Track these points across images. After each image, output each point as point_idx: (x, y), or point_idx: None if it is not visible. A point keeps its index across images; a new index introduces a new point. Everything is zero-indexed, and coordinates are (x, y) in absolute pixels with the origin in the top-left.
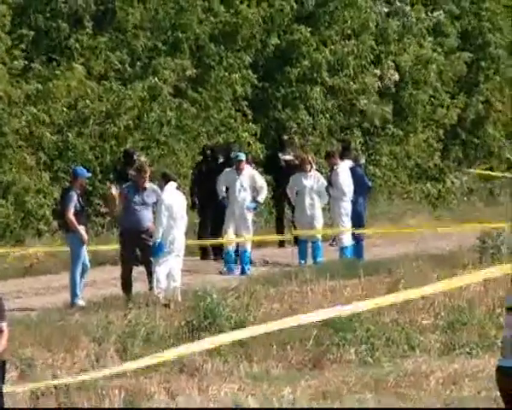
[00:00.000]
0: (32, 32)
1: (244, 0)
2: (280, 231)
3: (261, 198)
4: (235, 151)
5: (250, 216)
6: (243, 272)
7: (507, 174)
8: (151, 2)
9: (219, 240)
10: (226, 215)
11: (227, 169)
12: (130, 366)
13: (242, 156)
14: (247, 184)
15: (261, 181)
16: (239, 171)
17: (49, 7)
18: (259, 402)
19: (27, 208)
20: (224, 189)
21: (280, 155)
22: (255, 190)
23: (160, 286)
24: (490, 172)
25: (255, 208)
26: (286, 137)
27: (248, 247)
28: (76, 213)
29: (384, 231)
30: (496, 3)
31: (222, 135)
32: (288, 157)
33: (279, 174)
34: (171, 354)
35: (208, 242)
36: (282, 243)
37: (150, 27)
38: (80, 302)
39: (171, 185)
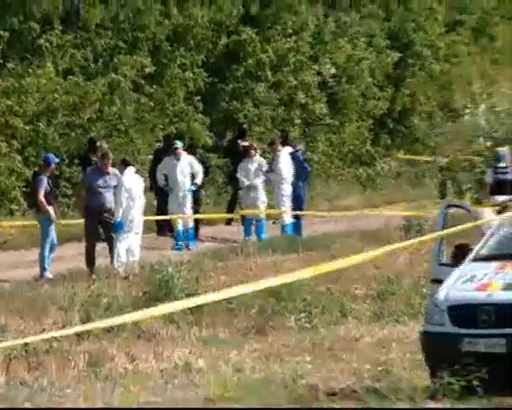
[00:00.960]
0: (7, 34)
1: (196, 4)
2: (230, 210)
3: (199, 181)
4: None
5: (190, 198)
6: (187, 247)
7: (429, 159)
8: (112, 3)
9: (167, 217)
10: (170, 199)
11: (165, 158)
12: (93, 326)
13: (179, 144)
14: (186, 170)
15: (197, 166)
16: (177, 158)
17: (22, 10)
18: (208, 364)
19: (1, 190)
20: (163, 177)
21: (239, 141)
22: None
23: (120, 260)
24: (414, 157)
25: (194, 191)
26: (245, 126)
27: (191, 224)
28: (45, 195)
29: (326, 214)
30: (420, 7)
31: (176, 126)
32: (245, 143)
33: (237, 159)
34: (129, 318)
35: (157, 218)
36: (229, 222)
37: (111, 27)
38: (48, 275)
39: (130, 170)
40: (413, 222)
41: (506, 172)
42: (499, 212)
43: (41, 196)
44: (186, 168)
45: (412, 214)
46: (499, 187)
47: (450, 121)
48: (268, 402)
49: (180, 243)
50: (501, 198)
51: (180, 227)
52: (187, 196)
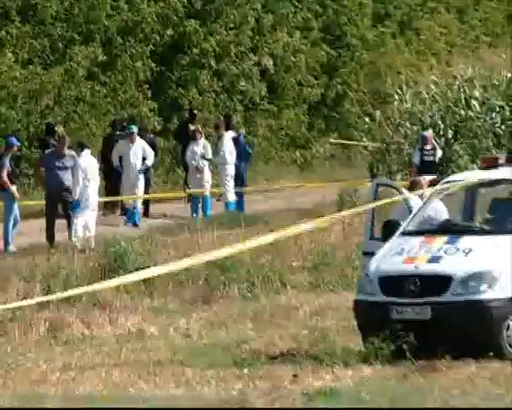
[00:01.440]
0: None
1: (144, 0)
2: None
3: (149, 162)
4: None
5: (141, 178)
6: (135, 224)
7: (361, 143)
8: None
9: (120, 197)
10: (122, 179)
11: (120, 141)
12: (53, 296)
13: (134, 129)
14: (139, 153)
15: (149, 150)
16: (131, 142)
17: None
18: (159, 329)
19: None
20: (117, 158)
21: (189, 125)
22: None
23: (77, 235)
24: (345, 141)
25: (145, 171)
26: (195, 111)
27: (139, 204)
28: (8, 175)
29: (266, 188)
30: (352, 1)
31: (127, 111)
32: (192, 127)
33: (187, 141)
34: (86, 289)
35: (112, 198)
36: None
37: (66, 19)
38: (12, 249)
39: (86, 152)
40: (346, 198)
41: (431, 154)
42: (410, 189)
43: (4, 176)
44: (139, 151)
45: (349, 184)
46: (426, 167)
47: (379, 107)
48: (214, 365)
49: (131, 219)
50: (428, 177)
51: (132, 204)
52: (139, 177)
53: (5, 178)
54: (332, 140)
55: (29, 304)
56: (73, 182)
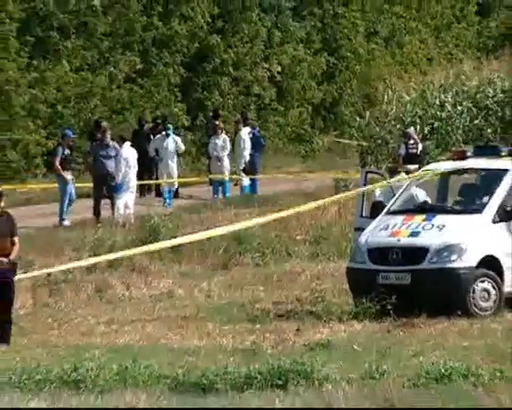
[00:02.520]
0: (33, 39)
1: (175, 18)
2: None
3: (181, 151)
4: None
5: (175, 166)
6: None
7: (355, 142)
8: (111, 16)
9: (159, 181)
10: (159, 168)
11: (158, 136)
12: (99, 259)
13: (171, 129)
14: (172, 146)
15: (181, 144)
16: (167, 136)
17: (44, 22)
18: (186, 291)
19: (30, 157)
20: (153, 150)
21: (217, 122)
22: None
23: (119, 213)
24: (341, 140)
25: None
26: (219, 110)
27: (176, 186)
28: (62, 162)
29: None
30: (347, 20)
31: (160, 110)
32: (216, 123)
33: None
34: (128, 253)
35: (152, 182)
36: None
37: (110, 34)
38: (66, 223)
39: (127, 144)
40: (341, 184)
41: (414, 147)
42: (390, 172)
43: (56, 163)
44: (172, 144)
45: (343, 176)
46: (409, 158)
47: (369, 109)
48: (231, 321)
49: (167, 199)
50: (412, 167)
51: (166, 188)
52: (171, 165)
53: (58, 165)
54: (334, 138)
55: (79, 267)
56: (116, 168)
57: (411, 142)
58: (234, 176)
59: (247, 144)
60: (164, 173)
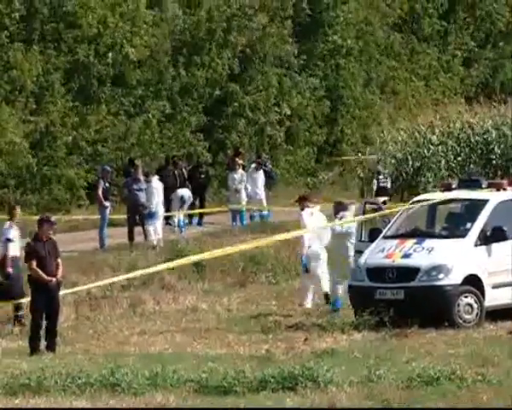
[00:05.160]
0: (76, 86)
1: (196, 66)
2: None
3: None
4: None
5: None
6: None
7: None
8: (144, 66)
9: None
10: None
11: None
12: (133, 275)
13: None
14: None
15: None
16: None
17: (86, 72)
18: (209, 305)
19: (74, 190)
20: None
21: (236, 159)
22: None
23: (150, 238)
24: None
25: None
26: (241, 149)
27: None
28: (103, 193)
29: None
30: (347, 71)
31: (186, 148)
32: (240, 161)
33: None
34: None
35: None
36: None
37: (143, 83)
38: (105, 247)
39: (156, 178)
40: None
41: (384, 181)
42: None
43: (99, 195)
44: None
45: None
46: (381, 191)
47: (365, 148)
48: (247, 331)
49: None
50: (381, 199)
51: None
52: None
53: (101, 196)
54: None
55: (116, 283)
56: (148, 199)
57: (381, 177)
58: (249, 206)
59: (262, 180)
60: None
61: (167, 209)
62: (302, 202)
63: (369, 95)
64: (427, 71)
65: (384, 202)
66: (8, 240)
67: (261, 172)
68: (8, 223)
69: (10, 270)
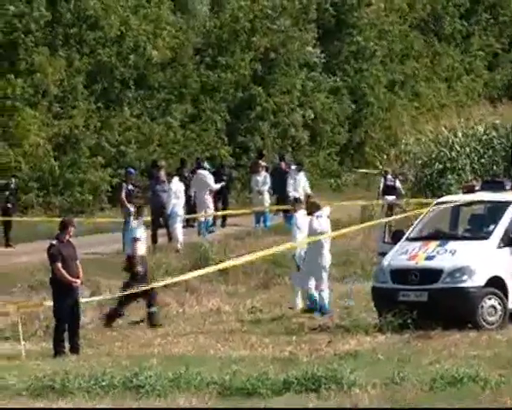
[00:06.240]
0: (99, 89)
1: (220, 68)
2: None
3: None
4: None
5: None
6: (210, 231)
7: (374, 171)
8: (167, 69)
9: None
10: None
11: (195, 175)
12: (157, 284)
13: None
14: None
15: (213, 183)
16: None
17: (107, 75)
18: (232, 308)
19: (97, 193)
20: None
21: (260, 161)
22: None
23: (176, 240)
24: (366, 170)
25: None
26: (264, 151)
27: (210, 219)
28: (127, 196)
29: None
30: (370, 73)
31: (209, 151)
32: (261, 162)
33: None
34: (180, 278)
35: (196, 216)
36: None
37: (167, 85)
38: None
39: (176, 179)
40: (366, 214)
41: (392, 181)
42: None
43: (122, 197)
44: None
45: (367, 204)
46: (388, 191)
47: (389, 150)
48: (271, 333)
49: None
50: (389, 198)
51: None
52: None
53: (123, 198)
54: (356, 170)
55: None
56: (167, 200)
57: (389, 176)
58: (273, 207)
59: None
60: (200, 207)
61: (190, 211)
62: (311, 207)
63: (392, 96)
64: (450, 73)
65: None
66: (136, 239)
67: (302, 173)
68: (136, 222)
69: (140, 269)
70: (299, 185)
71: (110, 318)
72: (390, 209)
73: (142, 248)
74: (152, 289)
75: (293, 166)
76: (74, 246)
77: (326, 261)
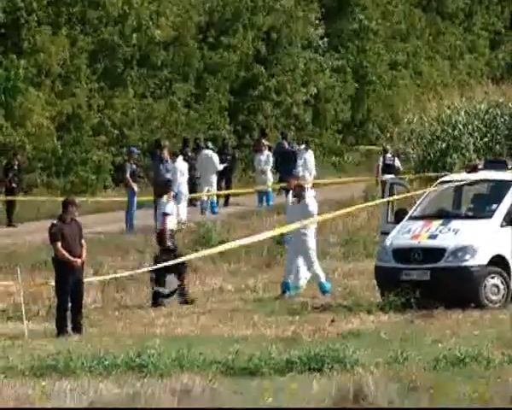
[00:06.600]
0: (101, 68)
1: (222, 47)
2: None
3: (219, 167)
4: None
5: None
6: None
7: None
8: (170, 49)
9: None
10: (202, 181)
11: (199, 155)
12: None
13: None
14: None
15: (216, 162)
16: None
17: (110, 54)
18: (235, 287)
19: (100, 173)
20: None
21: (263, 140)
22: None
23: (180, 218)
24: (368, 147)
25: (227, 173)
26: (267, 130)
27: (215, 198)
28: (130, 176)
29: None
30: (372, 51)
31: (212, 131)
32: (264, 141)
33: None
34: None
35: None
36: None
37: (170, 64)
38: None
39: (180, 158)
40: (369, 193)
41: (391, 160)
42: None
43: (127, 176)
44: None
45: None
46: (387, 169)
47: (393, 128)
48: (274, 313)
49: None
50: (388, 176)
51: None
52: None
53: (129, 178)
54: (359, 147)
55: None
56: (172, 179)
57: (389, 155)
58: (276, 186)
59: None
60: (204, 187)
61: (191, 191)
62: (299, 190)
63: (394, 74)
64: (452, 51)
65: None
66: (166, 214)
67: (311, 151)
68: (165, 197)
69: (170, 243)
70: (310, 164)
71: (155, 300)
72: (390, 190)
73: (172, 223)
74: (183, 263)
75: (301, 146)
76: (80, 225)
77: (313, 243)
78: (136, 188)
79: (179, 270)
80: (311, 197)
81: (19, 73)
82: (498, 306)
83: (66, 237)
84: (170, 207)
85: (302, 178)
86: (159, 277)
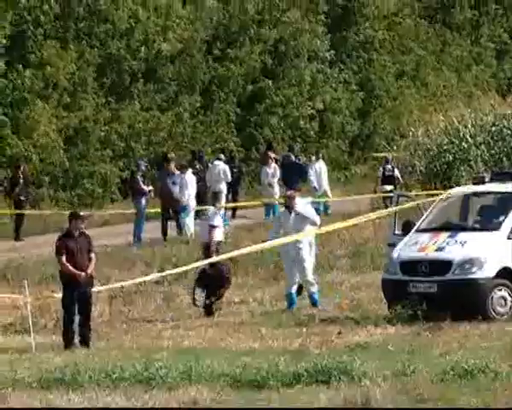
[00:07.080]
0: (109, 82)
1: (229, 60)
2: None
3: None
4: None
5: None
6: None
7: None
8: (176, 62)
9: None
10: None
11: (211, 167)
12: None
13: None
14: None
15: (228, 173)
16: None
17: (116, 68)
18: (242, 300)
19: (107, 186)
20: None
21: (269, 153)
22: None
23: (188, 231)
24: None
25: (234, 186)
26: (274, 143)
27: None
28: (139, 188)
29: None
30: (379, 63)
31: (219, 144)
32: (271, 154)
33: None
34: (189, 267)
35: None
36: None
37: (177, 78)
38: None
39: (189, 171)
40: (375, 206)
41: (390, 171)
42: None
43: (141, 186)
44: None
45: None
46: (386, 180)
47: (399, 141)
48: (281, 325)
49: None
50: (388, 187)
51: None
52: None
53: (143, 187)
54: (371, 154)
55: (150, 279)
56: (181, 192)
57: (388, 166)
58: (281, 199)
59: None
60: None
61: (198, 203)
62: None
63: (400, 83)
64: (459, 63)
65: (391, 191)
66: (213, 226)
67: (322, 162)
68: (213, 209)
69: (215, 256)
70: (323, 173)
71: (209, 310)
72: (397, 203)
73: (219, 235)
74: (228, 277)
75: (312, 157)
76: (89, 239)
77: (307, 252)
78: (144, 201)
79: (223, 282)
80: (303, 204)
81: (25, 83)
82: (506, 318)
83: (71, 251)
84: (217, 219)
85: (313, 190)
86: (208, 290)
